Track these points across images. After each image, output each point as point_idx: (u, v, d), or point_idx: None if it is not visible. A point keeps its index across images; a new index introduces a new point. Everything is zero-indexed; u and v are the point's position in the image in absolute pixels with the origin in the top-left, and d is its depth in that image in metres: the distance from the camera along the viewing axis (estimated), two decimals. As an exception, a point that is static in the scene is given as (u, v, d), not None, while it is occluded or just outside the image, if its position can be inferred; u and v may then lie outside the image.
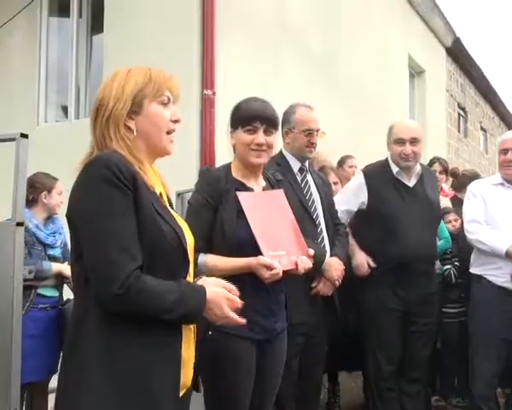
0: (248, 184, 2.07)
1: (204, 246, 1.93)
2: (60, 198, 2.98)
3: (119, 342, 1.28)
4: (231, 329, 1.82)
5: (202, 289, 1.37)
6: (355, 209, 3.03)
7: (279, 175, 2.29)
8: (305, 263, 2.00)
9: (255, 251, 1.90)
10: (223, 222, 1.97)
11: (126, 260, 1.25)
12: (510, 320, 2.85)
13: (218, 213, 1.98)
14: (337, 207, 2.90)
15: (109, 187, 1.26)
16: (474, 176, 4.28)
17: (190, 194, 3.53)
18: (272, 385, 2.09)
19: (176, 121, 1.44)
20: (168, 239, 1.33)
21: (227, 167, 2.11)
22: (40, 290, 2.82)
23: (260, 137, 2.00)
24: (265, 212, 2.00)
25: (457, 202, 4.13)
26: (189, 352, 1.43)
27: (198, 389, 1.60)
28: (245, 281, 1.82)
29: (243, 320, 1.45)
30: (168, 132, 1.43)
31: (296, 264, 1.96)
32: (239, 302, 1.43)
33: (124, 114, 1.37)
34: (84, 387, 1.26)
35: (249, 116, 2.01)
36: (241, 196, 1.97)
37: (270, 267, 1.86)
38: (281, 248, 1.97)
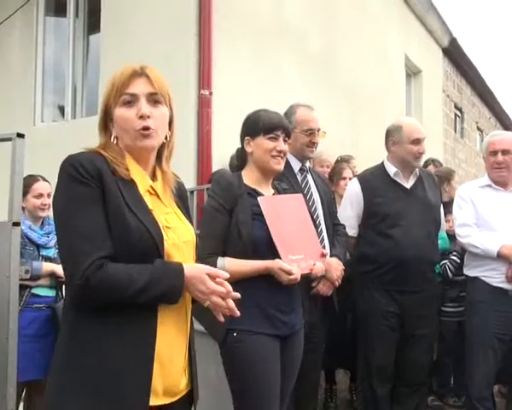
0: (261, 191, 2.16)
1: (221, 248, 2.03)
2: (40, 200, 2.94)
3: (84, 336, 1.29)
4: (254, 327, 1.96)
5: (180, 267, 1.33)
6: (359, 221, 3.01)
7: (285, 184, 2.39)
8: (319, 270, 2.16)
9: (271, 251, 1.99)
10: (238, 223, 2.03)
11: (87, 251, 1.26)
12: (506, 320, 2.85)
13: (233, 215, 2.05)
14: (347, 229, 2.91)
15: (73, 183, 1.30)
16: (448, 175, 4.23)
17: (188, 194, 3.56)
18: (292, 380, 2.16)
19: (141, 117, 1.37)
20: (134, 234, 1.30)
21: (238, 175, 2.20)
22: (34, 290, 2.82)
23: (282, 144, 2.14)
24: (284, 215, 2.10)
25: None
26: (171, 353, 1.37)
27: (195, 404, 1.53)
28: (266, 279, 1.97)
29: (236, 295, 1.39)
30: (139, 130, 1.38)
31: (311, 269, 2.10)
32: (223, 275, 1.37)
33: (103, 123, 1.43)
34: (53, 381, 1.34)
35: (272, 125, 2.14)
36: (262, 199, 2.07)
37: (288, 273, 1.96)
38: (299, 251, 2.08)
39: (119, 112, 1.39)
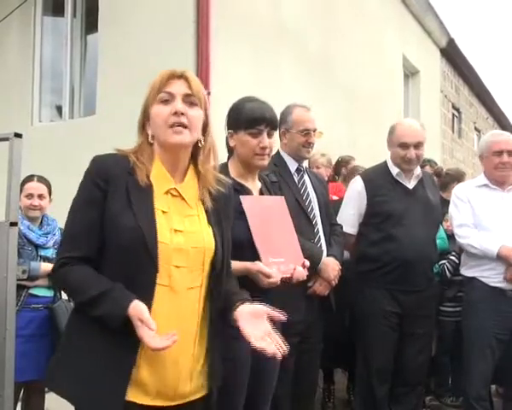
0: (247, 185, 2.06)
1: None
2: (30, 201, 2.89)
3: (79, 326, 1.43)
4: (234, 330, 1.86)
5: (129, 300, 1.30)
6: (360, 219, 3.00)
7: (273, 177, 2.30)
8: (300, 275, 2.02)
9: (251, 253, 1.90)
10: None
11: (65, 248, 1.42)
12: (504, 320, 2.85)
13: None
14: (345, 229, 2.90)
15: (84, 182, 1.43)
16: (458, 175, 4.24)
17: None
18: (269, 385, 2.07)
19: (175, 113, 1.40)
20: (125, 234, 1.34)
21: (225, 167, 2.08)
22: (32, 290, 2.81)
23: (265, 140, 1.98)
24: (266, 217, 1.99)
25: (442, 202, 4.11)
26: (176, 355, 1.36)
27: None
28: (244, 280, 1.83)
29: (164, 343, 1.28)
30: (172, 126, 1.41)
31: (292, 274, 1.98)
32: (152, 326, 1.27)
33: (142, 123, 1.49)
34: (53, 368, 1.46)
35: (254, 119, 1.97)
36: (244, 199, 1.95)
37: (268, 276, 1.86)
38: (280, 254, 1.97)
39: (156, 109, 1.43)
